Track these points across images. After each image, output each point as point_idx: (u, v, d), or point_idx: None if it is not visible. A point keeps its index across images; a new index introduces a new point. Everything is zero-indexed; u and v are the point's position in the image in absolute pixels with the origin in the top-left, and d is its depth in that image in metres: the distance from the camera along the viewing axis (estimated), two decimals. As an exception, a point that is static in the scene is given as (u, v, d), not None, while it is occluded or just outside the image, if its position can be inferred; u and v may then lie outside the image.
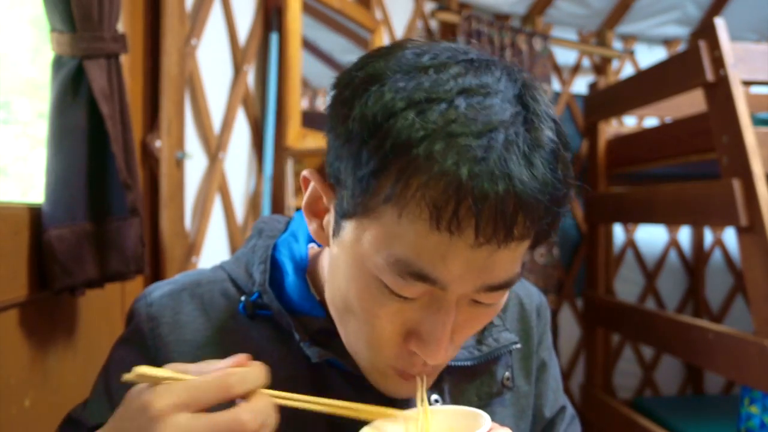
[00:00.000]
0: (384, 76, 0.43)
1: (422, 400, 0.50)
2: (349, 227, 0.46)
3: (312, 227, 0.53)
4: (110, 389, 0.57)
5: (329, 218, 0.50)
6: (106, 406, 0.56)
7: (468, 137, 0.40)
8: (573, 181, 0.45)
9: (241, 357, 0.42)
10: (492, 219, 0.40)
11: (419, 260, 0.42)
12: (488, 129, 0.40)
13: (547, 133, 0.43)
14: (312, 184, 0.51)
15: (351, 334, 0.51)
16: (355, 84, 0.45)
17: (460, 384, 0.60)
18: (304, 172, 0.52)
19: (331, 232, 0.50)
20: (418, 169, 0.40)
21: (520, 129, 0.41)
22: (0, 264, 0.83)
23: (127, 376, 0.41)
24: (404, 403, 0.53)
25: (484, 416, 0.46)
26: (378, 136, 0.41)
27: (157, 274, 1.41)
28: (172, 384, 0.40)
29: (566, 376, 2.92)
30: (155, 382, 0.41)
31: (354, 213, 0.45)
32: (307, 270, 0.59)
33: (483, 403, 0.61)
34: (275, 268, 0.59)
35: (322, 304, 0.57)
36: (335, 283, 0.50)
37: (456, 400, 0.59)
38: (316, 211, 0.52)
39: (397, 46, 0.46)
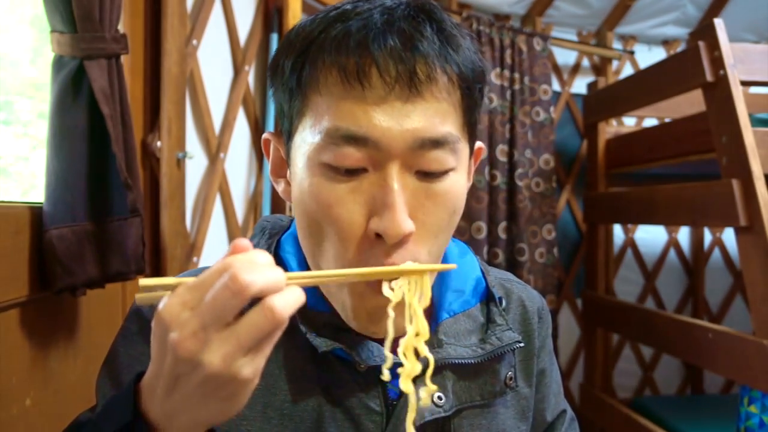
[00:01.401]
0: (297, 25, 0.54)
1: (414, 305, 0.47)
2: (295, 143, 0.52)
3: (280, 188, 0.58)
4: (121, 386, 0.57)
5: (289, 170, 0.55)
6: None
7: (358, 13, 0.49)
8: (478, 55, 0.52)
9: (239, 242, 0.40)
10: (392, 62, 0.47)
11: (345, 122, 0.48)
12: (373, 7, 0.50)
13: (438, 13, 0.51)
14: (272, 144, 0.58)
15: (323, 255, 0.52)
16: (278, 47, 0.55)
17: (463, 382, 0.60)
18: (264, 135, 0.59)
19: (290, 174, 0.55)
20: (322, 47, 0.49)
21: (401, 4, 0.50)
22: (1, 264, 0.83)
23: (138, 295, 0.41)
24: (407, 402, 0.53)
25: None
26: (292, 46, 0.51)
27: (157, 274, 1.41)
28: (177, 296, 0.38)
29: (566, 375, 2.92)
30: (165, 289, 0.39)
31: (293, 124, 0.52)
32: (311, 266, 0.60)
33: (486, 403, 0.61)
34: (279, 264, 0.58)
35: (326, 299, 0.57)
36: (301, 208, 0.52)
37: (459, 399, 0.59)
38: (281, 171, 0.58)
39: None
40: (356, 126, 0.47)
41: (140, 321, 0.57)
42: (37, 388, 0.92)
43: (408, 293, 0.47)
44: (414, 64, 0.47)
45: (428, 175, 0.50)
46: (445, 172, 0.51)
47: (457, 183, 0.52)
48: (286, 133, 0.54)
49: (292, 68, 0.50)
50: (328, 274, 0.46)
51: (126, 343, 0.58)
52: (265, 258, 0.39)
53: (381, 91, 0.47)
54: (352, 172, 0.49)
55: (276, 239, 0.61)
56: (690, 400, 2.88)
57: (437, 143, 0.49)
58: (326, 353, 0.54)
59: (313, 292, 0.57)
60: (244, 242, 0.39)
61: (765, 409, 1.62)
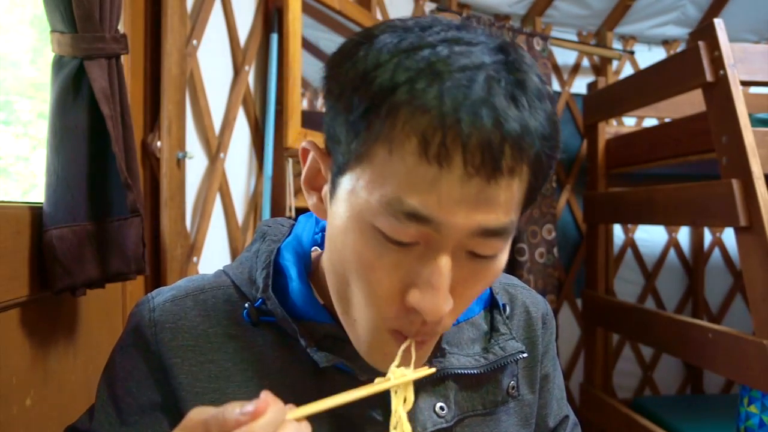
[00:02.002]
0: (372, 38, 0.46)
1: (410, 365, 0.49)
2: (344, 182, 0.47)
3: (311, 201, 0.54)
4: (116, 398, 0.56)
5: (327, 188, 0.51)
6: (113, 416, 0.56)
7: (451, 74, 0.42)
8: (559, 126, 0.47)
9: (260, 402, 0.39)
10: (479, 148, 0.41)
11: (411, 197, 0.43)
12: (472, 67, 0.42)
13: (532, 77, 0.45)
14: (311, 155, 0.53)
15: (348, 299, 0.50)
16: (346, 49, 0.48)
17: (465, 392, 0.60)
18: (303, 143, 0.53)
19: (328, 197, 0.51)
20: (405, 105, 0.42)
21: (501, 69, 0.43)
22: (1, 264, 0.83)
23: None
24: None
25: None
26: (367, 81, 0.44)
27: (157, 274, 1.41)
28: None
29: (566, 376, 2.92)
30: None
31: (348, 163, 0.46)
32: (311, 275, 0.59)
33: (488, 412, 0.61)
34: (279, 273, 0.58)
35: (327, 309, 0.57)
36: (334, 247, 0.50)
37: (461, 408, 0.59)
38: (315, 184, 0.53)
39: (385, 21, 0.50)
40: (423, 206, 0.43)
41: (136, 335, 0.57)
42: (37, 388, 0.92)
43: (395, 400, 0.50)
44: (502, 155, 0.42)
45: (478, 256, 0.47)
46: (495, 255, 0.48)
47: (503, 260, 0.50)
48: (337, 163, 0.48)
49: (364, 111, 0.44)
50: (329, 404, 0.45)
51: (122, 355, 0.58)
52: (283, 414, 0.40)
53: (459, 177, 0.42)
54: (402, 244, 0.45)
55: (276, 246, 0.60)
56: (690, 400, 2.88)
57: (497, 233, 0.45)
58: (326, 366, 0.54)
59: (313, 303, 0.57)
60: (263, 404, 0.39)
61: (765, 409, 1.62)
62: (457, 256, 0.46)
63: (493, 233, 0.45)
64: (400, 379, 0.49)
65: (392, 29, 0.46)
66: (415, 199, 0.43)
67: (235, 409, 0.38)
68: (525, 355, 0.63)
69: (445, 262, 0.45)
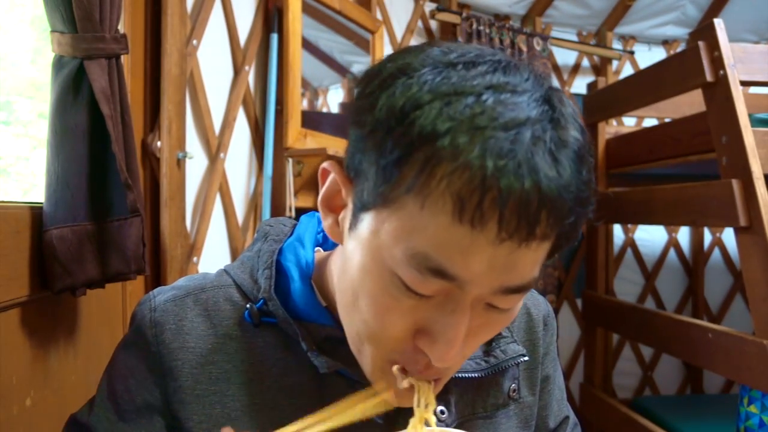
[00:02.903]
0: (412, 70, 0.43)
1: (420, 413, 0.49)
2: (367, 219, 0.45)
3: (327, 222, 0.52)
4: (115, 394, 0.56)
5: (345, 213, 0.49)
6: (111, 412, 0.56)
7: (495, 130, 0.39)
8: (594, 186, 0.45)
9: None
10: (516, 214, 0.39)
11: (439, 255, 0.41)
12: (515, 124, 0.40)
13: (574, 134, 0.42)
14: (331, 177, 0.50)
15: (359, 332, 0.49)
16: (383, 76, 0.44)
17: (466, 395, 0.60)
18: (324, 164, 0.51)
19: (347, 227, 0.49)
20: (443, 160, 0.39)
21: (547, 127, 0.41)
22: (1, 264, 0.83)
23: None
24: (410, 411, 0.53)
25: None
26: (404, 125, 0.40)
27: (158, 274, 1.41)
28: None
29: (566, 376, 2.92)
30: None
31: (374, 204, 0.44)
32: (313, 276, 0.58)
33: (488, 415, 0.61)
34: (281, 273, 0.58)
35: (329, 311, 0.56)
36: (347, 276, 0.48)
37: (461, 412, 0.59)
38: (333, 206, 0.51)
39: (426, 44, 0.46)
40: (450, 264, 0.41)
41: (137, 334, 0.57)
42: (37, 387, 0.92)
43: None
44: (537, 222, 0.40)
45: (495, 308, 0.46)
46: (512, 308, 0.47)
47: (517, 309, 0.49)
48: (360, 198, 0.46)
49: (398, 159, 0.41)
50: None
51: (124, 353, 0.58)
52: None
53: (491, 241, 0.40)
54: (422, 295, 0.44)
55: (278, 246, 0.59)
56: (690, 400, 2.88)
57: (518, 290, 0.44)
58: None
59: (315, 304, 0.56)
60: None
61: (765, 409, 1.62)
62: (474, 308, 0.45)
63: (515, 290, 0.44)
64: None
65: (434, 63, 0.43)
66: (442, 257, 0.41)
67: None
68: (526, 358, 0.63)
69: (462, 317, 0.44)
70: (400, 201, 0.42)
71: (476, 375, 0.59)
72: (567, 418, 0.71)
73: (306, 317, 0.56)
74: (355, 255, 0.47)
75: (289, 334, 0.55)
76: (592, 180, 0.44)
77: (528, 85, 0.42)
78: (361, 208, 0.46)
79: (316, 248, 0.62)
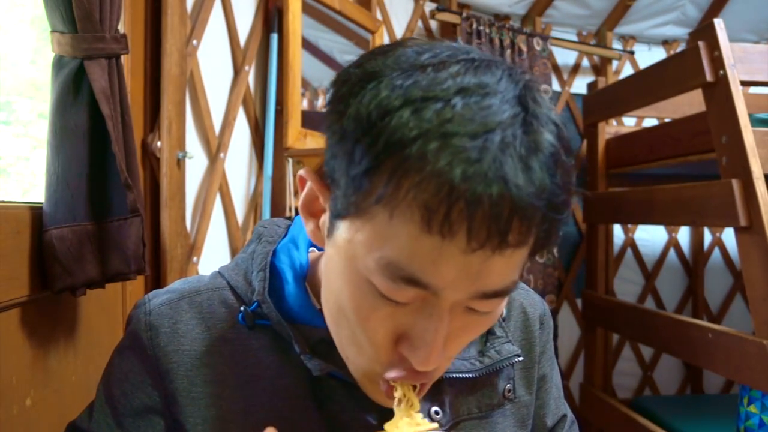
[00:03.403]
0: (381, 74, 0.42)
1: (400, 413, 0.49)
2: (342, 227, 0.45)
3: (309, 227, 0.52)
4: (113, 399, 0.57)
5: (325, 218, 0.49)
6: (110, 416, 0.56)
7: (463, 138, 0.38)
8: (573, 188, 0.44)
9: None
10: (485, 224, 0.38)
11: (410, 264, 0.41)
12: (484, 130, 0.38)
13: (547, 137, 0.41)
14: (308, 184, 0.50)
15: (343, 338, 0.50)
16: (352, 81, 0.43)
17: (461, 396, 0.60)
18: (301, 172, 0.51)
19: (326, 233, 0.49)
20: (411, 169, 0.39)
21: (518, 131, 0.40)
22: (1, 264, 0.83)
23: None
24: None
25: None
26: (371, 134, 0.40)
27: (158, 274, 1.41)
28: None
29: (566, 376, 2.92)
30: None
31: (347, 213, 0.44)
32: (308, 278, 0.58)
33: (483, 415, 0.61)
34: (274, 275, 0.58)
35: (323, 313, 0.56)
36: (330, 286, 0.49)
37: (456, 413, 0.59)
38: (312, 211, 0.51)
39: (397, 44, 0.45)
40: (422, 273, 0.41)
41: (133, 338, 0.57)
42: (37, 388, 0.92)
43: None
44: (509, 229, 0.39)
45: (475, 311, 0.46)
46: (492, 311, 0.47)
47: (498, 311, 0.49)
48: (335, 206, 0.46)
49: (366, 169, 0.40)
50: None
51: (120, 357, 0.58)
52: None
53: (462, 250, 0.40)
54: (398, 303, 0.44)
55: (272, 248, 0.59)
56: (690, 400, 2.88)
57: (497, 294, 0.44)
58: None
59: (309, 306, 0.56)
60: None
61: (765, 409, 1.62)
62: (454, 312, 0.45)
63: (493, 295, 0.44)
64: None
65: (403, 65, 0.42)
66: (414, 267, 0.41)
67: None
68: (521, 358, 0.62)
69: (440, 322, 0.44)
70: (371, 211, 0.42)
71: (471, 375, 0.59)
72: (565, 416, 0.71)
73: (300, 319, 0.56)
74: (333, 262, 0.47)
75: (284, 336, 0.55)
76: (569, 182, 0.43)
77: (501, 86, 0.41)
78: (336, 215, 0.46)
79: (310, 249, 0.62)
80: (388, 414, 0.53)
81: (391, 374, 0.48)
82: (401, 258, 0.41)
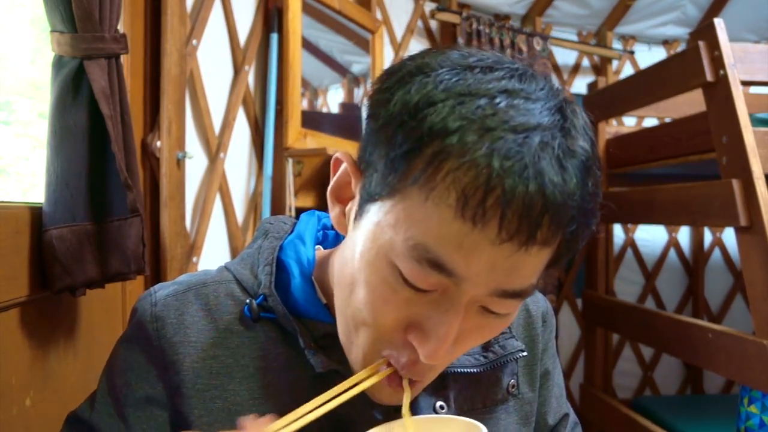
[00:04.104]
0: (430, 69, 0.44)
1: (407, 409, 0.49)
2: (373, 210, 0.46)
3: (334, 212, 0.53)
4: (115, 389, 0.57)
5: (352, 204, 0.50)
6: (112, 407, 0.56)
7: (504, 132, 0.40)
8: (600, 200, 0.46)
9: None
10: (518, 215, 0.40)
11: (439, 248, 0.42)
12: (525, 128, 0.40)
13: (583, 144, 0.43)
14: (343, 167, 0.51)
15: (350, 316, 0.50)
16: (401, 74, 0.45)
17: (465, 391, 0.60)
18: (338, 154, 0.52)
19: (353, 218, 0.50)
20: (451, 156, 0.40)
21: (557, 134, 0.42)
22: (0, 264, 0.83)
23: None
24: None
25: (481, 428, 0.46)
26: (415, 119, 0.42)
27: (157, 274, 1.41)
28: None
29: (566, 376, 2.92)
30: None
31: (380, 194, 0.45)
32: (314, 274, 0.59)
33: (487, 410, 0.61)
34: (281, 270, 0.58)
35: (328, 308, 0.57)
36: (348, 265, 0.49)
37: (461, 407, 0.59)
38: (341, 196, 0.52)
39: (447, 47, 0.47)
40: (449, 258, 0.42)
41: (138, 329, 0.57)
42: (37, 388, 0.92)
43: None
44: (539, 226, 0.41)
45: (491, 312, 0.46)
46: (508, 313, 0.48)
47: (513, 316, 0.49)
48: (368, 189, 0.47)
49: (407, 151, 0.42)
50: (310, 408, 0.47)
51: (124, 348, 0.58)
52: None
53: (491, 240, 0.41)
54: (419, 289, 0.45)
55: (279, 243, 0.60)
56: (690, 400, 2.88)
57: (516, 295, 0.45)
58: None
59: (315, 301, 0.57)
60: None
61: (765, 409, 1.62)
62: (469, 309, 0.45)
63: (511, 295, 0.45)
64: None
65: (452, 65, 0.44)
66: (441, 250, 0.42)
67: None
68: (525, 353, 0.63)
69: (455, 317, 0.44)
70: (406, 192, 0.43)
71: (475, 370, 0.59)
72: (567, 415, 0.71)
73: (305, 314, 0.56)
74: (357, 245, 0.48)
75: (289, 330, 0.56)
76: (598, 194, 0.45)
77: (542, 94, 0.43)
78: (367, 199, 0.47)
79: (317, 246, 0.62)
80: (393, 410, 0.54)
81: (390, 353, 0.48)
82: (430, 240, 0.42)
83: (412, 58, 0.47)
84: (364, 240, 0.47)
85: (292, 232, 0.62)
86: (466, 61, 0.44)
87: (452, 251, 0.42)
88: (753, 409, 1.64)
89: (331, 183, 0.52)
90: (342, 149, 0.54)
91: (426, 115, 0.41)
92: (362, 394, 0.54)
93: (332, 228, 0.65)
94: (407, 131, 0.42)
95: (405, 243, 0.43)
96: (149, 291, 0.59)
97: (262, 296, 0.56)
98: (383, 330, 0.47)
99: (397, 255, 0.44)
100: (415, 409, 0.56)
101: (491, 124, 0.40)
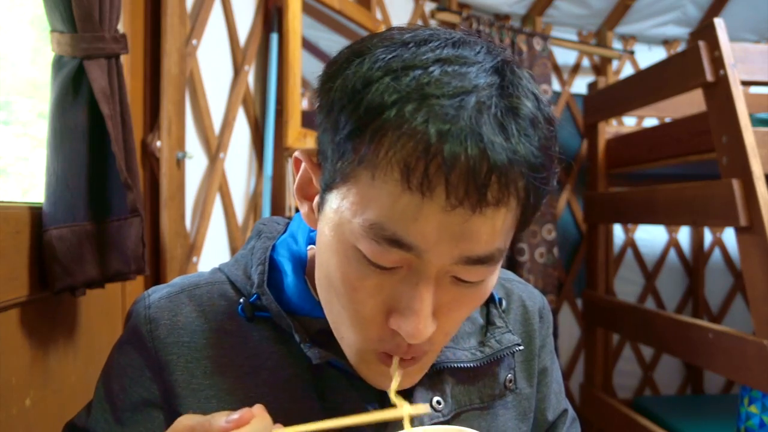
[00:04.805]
0: (366, 51, 0.45)
1: (395, 395, 0.49)
2: (330, 198, 0.47)
3: (303, 210, 0.53)
4: (112, 394, 0.57)
5: (317, 200, 0.51)
6: (109, 412, 0.56)
7: (439, 99, 0.40)
8: (555, 154, 0.45)
9: (245, 412, 0.42)
10: (463, 179, 0.40)
11: (393, 224, 0.42)
12: (460, 92, 0.41)
13: (525, 102, 0.43)
14: (303, 165, 0.52)
15: (335, 316, 0.50)
16: (340, 61, 0.46)
17: (462, 386, 0.60)
18: (296, 153, 0.53)
19: (317, 210, 0.50)
20: (390, 130, 0.41)
21: (493, 94, 0.42)
22: (1, 264, 0.83)
23: None
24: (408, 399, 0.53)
25: None
26: (354, 101, 0.42)
27: (157, 274, 1.41)
28: None
29: (566, 376, 2.92)
30: None
31: (334, 182, 0.46)
32: (307, 271, 0.59)
33: (485, 405, 0.61)
34: (274, 268, 0.58)
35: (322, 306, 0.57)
36: (321, 262, 0.50)
37: (458, 402, 0.59)
38: (307, 193, 0.53)
39: (386, 30, 0.48)
40: (404, 232, 0.42)
41: (132, 332, 0.57)
42: (36, 388, 0.92)
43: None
44: (487, 187, 0.40)
45: (463, 282, 0.46)
46: (482, 281, 0.48)
47: (490, 284, 0.49)
48: (324, 179, 0.48)
49: (349, 133, 0.43)
50: (322, 426, 0.45)
51: (119, 352, 0.58)
52: (268, 426, 0.42)
53: (441, 207, 0.41)
54: (384, 268, 0.45)
55: (271, 243, 0.60)
56: (690, 400, 2.88)
57: (482, 261, 0.44)
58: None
59: (308, 298, 0.57)
60: (248, 414, 0.41)
61: (765, 409, 1.62)
62: (441, 282, 0.45)
63: (477, 261, 0.44)
64: (408, 410, 0.49)
65: (387, 43, 0.44)
66: (396, 226, 0.42)
67: (221, 418, 0.40)
68: (521, 347, 0.63)
69: (426, 289, 0.44)
70: (355, 174, 0.44)
71: (471, 365, 0.59)
72: (566, 411, 0.71)
73: (299, 311, 0.56)
74: (323, 236, 0.49)
75: (283, 328, 0.56)
76: (550, 147, 0.44)
77: (479, 58, 0.44)
78: (325, 189, 0.48)
79: (310, 246, 0.62)
80: (388, 403, 0.53)
81: (384, 348, 0.49)
82: (384, 218, 0.42)
83: (349, 45, 0.48)
84: (327, 230, 0.47)
85: (285, 231, 0.63)
86: (401, 38, 0.45)
87: (407, 225, 0.42)
88: (753, 409, 1.64)
89: (296, 182, 0.53)
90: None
91: (364, 96, 0.42)
92: (358, 389, 0.55)
93: None
94: (348, 114, 0.43)
95: (361, 225, 0.43)
96: (143, 295, 0.60)
97: (255, 295, 0.56)
98: (366, 323, 0.48)
99: (357, 238, 0.44)
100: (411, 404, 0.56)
101: (426, 92, 0.40)
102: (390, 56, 0.43)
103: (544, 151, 0.43)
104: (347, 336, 0.50)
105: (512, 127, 0.41)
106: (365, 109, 0.42)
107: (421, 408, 0.49)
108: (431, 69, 0.41)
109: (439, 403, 0.57)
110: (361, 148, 0.42)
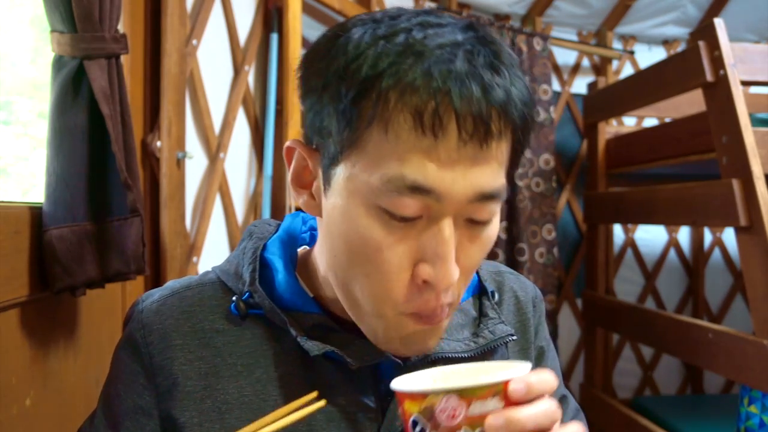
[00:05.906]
0: (346, 31, 0.48)
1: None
2: (339, 171, 0.49)
3: (302, 199, 0.54)
4: (109, 402, 0.58)
5: (317, 183, 0.52)
6: (107, 418, 0.57)
7: (433, 50, 0.44)
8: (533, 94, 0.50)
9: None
10: (471, 115, 0.44)
11: (412, 171, 0.45)
12: (448, 44, 0.45)
13: (504, 48, 0.48)
14: (297, 153, 0.53)
15: (359, 292, 0.50)
16: (320, 46, 0.50)
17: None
18: (287, 144, 0.54)
19: (322, 192, 0.51)
20: (395, 85, 0.44)
21: (476, 43, 0.46)
22: (0, 264, 0.83)
23: None
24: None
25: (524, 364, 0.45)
26: (352, 68, 0.45)
27: (157, 274, 1.41)
28: None
29: (566, 376, 2.92)
30: None
31: (342, 152, 0.48)
32: (298, 269, 0.59)
33: None
34: (265, 266, 0.59)
35: (316, 300, 0.57)
36: (334, 241, 0.51)
37: None
38: (303, 182, 0.54)
39: (351, 17, 0.52)
40: (423, 178, 0.45)
41: (128, 338, 0.58)
42: (37, 388, 0.92)
43: None
44: (490, 119, 0.45)
45: (476, 223, 0.49)
46: (490, 220, 0.50)
47: (496, 224, 0.52)
48: (328, 155, 0.49)
49: (354, 98, 0.45)
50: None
51: (116, 357, 0.59)
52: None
53: (454, 145, 0.44)
54: (406, 219, 0.47)
55: (262, 243, 0.61)
56: (690, 400, 2.88)
57: (492, 197, 0.48)
58: (317, 355, 0.54)
59: (301, 293, 0.57)
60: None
61: (765, 409, 1.62)
62: (457, 224, 0.48)
63: (488, 197, 0.48)
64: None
65: (362, 23, 0.48)
66: (416, 173, 0.45)
67: None
68: (514, 337, 0.63)
69: (448, 230, 0.47)
70: (365, 136, 0.46)
71: (465, 355, 0.59)
72: (564, 397, 0.70)
73: (292, 306, 0.57)
74: (335, 210, 0.50)
75: (277, 325, 0.56)
76: (529, 88, 0.50)
77: (450, 20, 0.48)
78: (330, 165, 0.49)
79: (302, 247, 0.63)
80: (385, 396, 0.54)
81: (413, 307, 0.49)
82: (403, 168, 0.45)
83: (324, 33, 0.51)
84: (341, 200, 0.49)
85: (276, 232, 0.63)
86: (372, 17, 0.49)
87: (425, 169, 0.45)
88: (753, 409, 1.64)
89: (290, 172, 0.55)
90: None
91: (360, 66, 0.45)
92: (354, 382, 0.55)
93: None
94: (349, 82, 0.46)
95: (381, 180, 0.46)
96: (137, 300, 0.60)
97: (247, 293, 0.57)
98: (393, 285, 0.48)
99: (377, 195, 0.46)
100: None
101: (418, 49, 0.44)
102: (369, 31, 0.47)
103: (528, 87, 0.49)
104: (374, 307, 0.50)
105: (502, 69, 0.46)
106: (365, 74, 0.45)
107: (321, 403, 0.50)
108: (413, 32, 0.46)
109: None
110: (368, 109, 0.45)
